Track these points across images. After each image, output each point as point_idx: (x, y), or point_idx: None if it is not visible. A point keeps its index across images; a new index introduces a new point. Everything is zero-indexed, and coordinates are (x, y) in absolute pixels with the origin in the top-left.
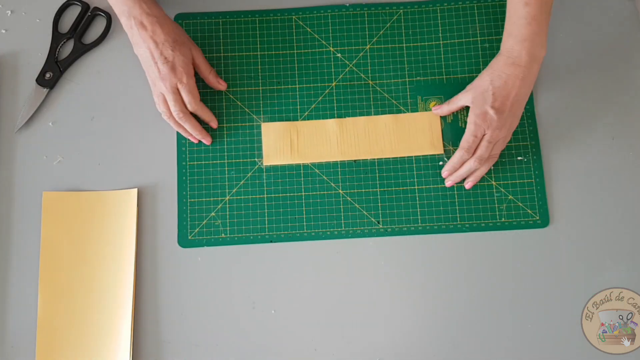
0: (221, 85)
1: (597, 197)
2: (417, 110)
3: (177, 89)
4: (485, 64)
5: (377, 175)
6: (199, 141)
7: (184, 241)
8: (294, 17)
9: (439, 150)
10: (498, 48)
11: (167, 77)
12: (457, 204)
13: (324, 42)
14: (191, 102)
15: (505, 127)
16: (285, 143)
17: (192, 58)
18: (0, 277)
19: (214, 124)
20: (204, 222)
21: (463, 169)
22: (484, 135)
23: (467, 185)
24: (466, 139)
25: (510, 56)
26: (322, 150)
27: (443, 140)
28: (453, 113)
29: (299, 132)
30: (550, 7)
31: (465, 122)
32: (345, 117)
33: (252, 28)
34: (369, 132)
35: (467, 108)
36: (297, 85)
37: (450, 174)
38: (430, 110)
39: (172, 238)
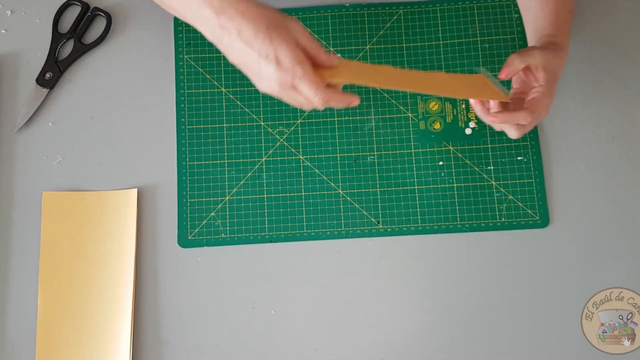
0: (333, 61)
1: (597, 197)
2: (416, 111)
3: (294, 87)
4: (485, 64)
5: (377, 175)
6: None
7: (184, 241)
8: (294, 17)
9: (503, 96)
10: (498, 48)
11: (276, 78)
12: (457, 204)
13: (324, 42)
14: (317, 94)
15: None
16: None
17: (296, 39)
18: (0, 277)
19: (355, 101)
20: (204, 222)
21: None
22: None
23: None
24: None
25: (564, 52)
26: (386, 77)
27: (443, 140)
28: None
29: (370, 70)
30: None
31: (465, 122)
32: (345, 116)
33: None
34: (433, 77)
35: (466, 107)
36: None
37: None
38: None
39: (172, 238)
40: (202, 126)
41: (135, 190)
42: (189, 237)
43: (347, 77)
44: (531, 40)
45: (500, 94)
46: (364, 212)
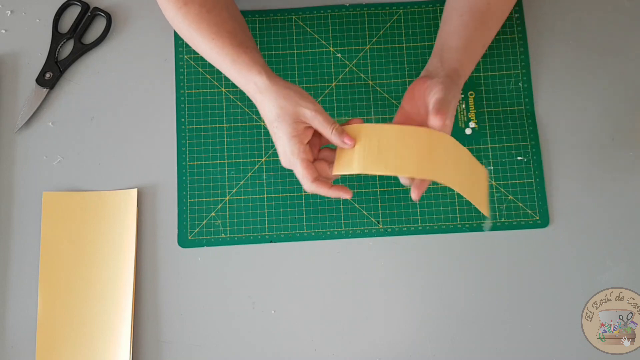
0: (347, 144)
1: (597, 197)
2: None
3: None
4: (485, 64)
5: (377, 175)
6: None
7: (184, 241)
8: (294, 17)
9: (484, 209)
10: (497, 48)
11: (281, 158)
12: (457, 204)
13: (324, 42)
14: (305, 183)
15: None
16: (369, 150)
17: (304, 123)
18: (0, 277)
19: (346, 194)
20: (204, 222)
21: None
22: None
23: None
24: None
25: (461, 85)
26: (410, 163)
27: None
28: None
29: (382, 138)
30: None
31: (465, 122)
32: (345, 116)
33: (252, 28)
34: (456, 157)
35: (466, 107)
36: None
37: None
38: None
39: (172, 238)
40: (202, 126)
41: (135, 190)
42: (189, 237)
43: (353, 170)
44: (436, 54)
45: (485, 198)
46: (364, 212)
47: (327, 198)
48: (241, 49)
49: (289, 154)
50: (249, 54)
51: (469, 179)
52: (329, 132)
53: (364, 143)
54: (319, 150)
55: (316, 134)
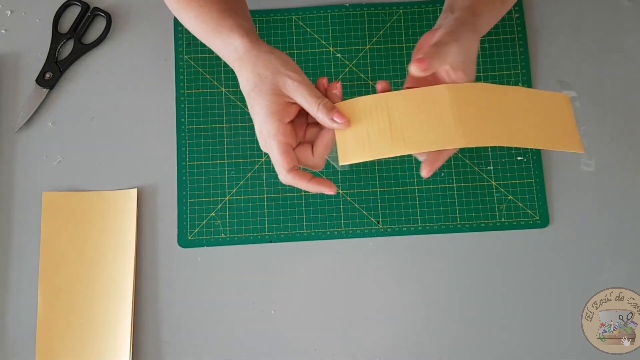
0: (337, 124)
1: (597, 197)
2: None
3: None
4: (485, 64)
5: (377, 175)
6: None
7: (184, 241)
8: (294, 17)
9: (576, 145)
10: (498, 48)
11: (259, 138)
12: (457, 204)
13: (324, 42)
14: (280, 172)
15: None
16: (377, 127)
17: (285, 97)
18: (0, 277)
19: (329, 190)
20: (204, 222)
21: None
22: None
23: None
24: None
25: (478, 33)
26: (435, 132)
27: None
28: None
29: (391, 109)
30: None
31: None
32: None
33: None
34: (496, 107)
35: None
36: None
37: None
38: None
39: (172, 238)
40: (202, 126)
41: (135, 190)
42: (189, 237)
43: (365, 156)
44: (446, 9)
45: (575, 134)
46: (364, 212)
47: (326, 197)
48: (227, 13)
49: (265, 134)
50: (235, 18)
51: (534, 122)
52: (314, 108)
53: (368, 119)
54: (306, 132)
55: (303, 113)
